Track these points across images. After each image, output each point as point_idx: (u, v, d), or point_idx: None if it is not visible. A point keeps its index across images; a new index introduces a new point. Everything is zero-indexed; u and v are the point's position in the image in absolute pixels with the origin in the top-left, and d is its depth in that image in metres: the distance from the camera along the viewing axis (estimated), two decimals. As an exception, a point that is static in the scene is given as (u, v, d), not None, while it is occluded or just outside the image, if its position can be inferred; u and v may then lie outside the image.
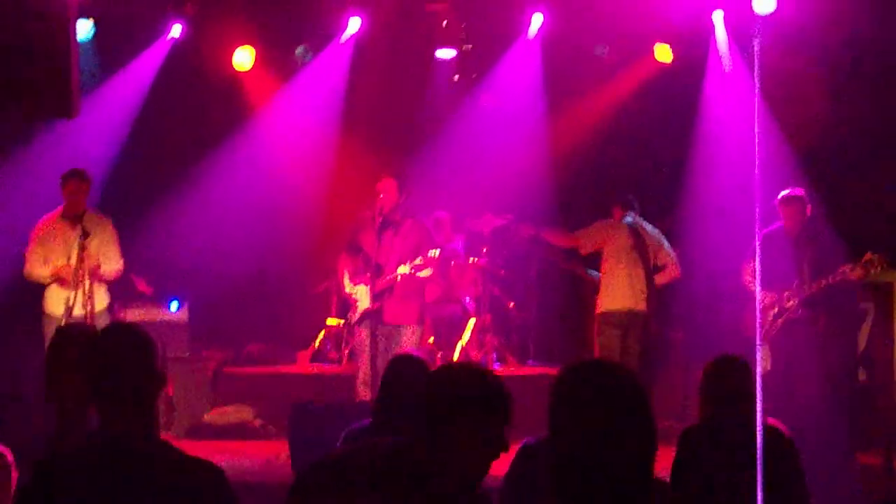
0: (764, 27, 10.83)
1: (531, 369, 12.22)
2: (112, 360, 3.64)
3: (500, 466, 4.24)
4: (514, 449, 4.71)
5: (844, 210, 10.99)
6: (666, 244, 10.76)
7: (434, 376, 3.85)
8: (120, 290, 10.59)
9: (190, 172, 12.95)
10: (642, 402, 3.17)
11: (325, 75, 13.13)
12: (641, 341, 10.49)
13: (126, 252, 10.27)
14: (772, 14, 10.90)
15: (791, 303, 9.90)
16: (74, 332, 5.21)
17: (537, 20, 12.40)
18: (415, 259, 9.52)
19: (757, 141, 3.48)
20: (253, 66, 12.79)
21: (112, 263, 9.98)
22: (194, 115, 13.19)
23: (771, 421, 5.76)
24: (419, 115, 13.81)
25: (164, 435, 10.66)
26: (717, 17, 12.07)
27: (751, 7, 10.89)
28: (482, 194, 12.98)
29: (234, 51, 12.63)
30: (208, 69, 12.84)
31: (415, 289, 9.81)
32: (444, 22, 12.64)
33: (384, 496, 3.61)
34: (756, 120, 3.55)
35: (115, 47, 12.42)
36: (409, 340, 9.66)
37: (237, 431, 11.17)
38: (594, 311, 10.68)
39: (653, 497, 3.24)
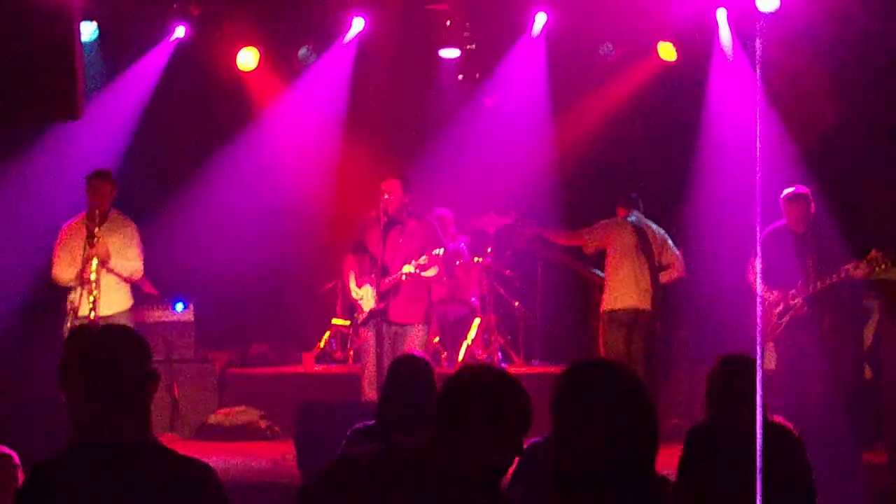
0: (768, 24, 10.82)
1: (536, 368, 12.23)
2: (104, 361, 3.64)
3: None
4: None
5: (849, 208, 10.98)
6: (670, 243, 10.75)
7: (453, 378, 3.84)
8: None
9: (194, 173, 12.96)
10: (644, 401, 3.17)
11: (328, 76, 13.13)
12: (646, 340, 10.49)
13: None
14: (776, 11, 10.90)
15: (796, 301, 9.89)
16: (84, 334, 5.22)
17: (541, 19, 12.39)
18: (420, 258, 9.52)
19: (759, 139, 3.47)
20: (257, 66, 12.79)
21: (128, 262, 9.96)
22: (199, 116, 13.21)
23: (778, 419, 5.75)
24: (423, 114, 13.82)
25: (169, 436, 10.79)
26: (721, 14, 12.05)
27: (754, 5, 10.88)
28: (486, 193, 12.98)
29: (237, 52, 12.64)
30: (212, 70, 12.85)
31: (421, 288, 9.80)
32: (448, 22, 12.64)
33: (402, 498, 3.61)
34: (759, 118, 3.53)
35: (119, 49, 12.44)
36: (414, 340, 9.66)
37: (243, 432, 11.17)
38: (599, 310, 10.68)
39: (656, 495, 3.24)
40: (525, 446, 3.88)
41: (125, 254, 9.94)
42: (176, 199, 12.29)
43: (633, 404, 3.15)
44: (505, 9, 12.50)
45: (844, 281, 9.72)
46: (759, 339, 3.93)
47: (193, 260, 11.96)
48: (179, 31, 12.41)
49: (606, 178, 12.84)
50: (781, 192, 10.01)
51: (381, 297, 9.64)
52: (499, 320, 12.58)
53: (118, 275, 9.87)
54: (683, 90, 12.52)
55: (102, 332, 3.84)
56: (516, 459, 3.93)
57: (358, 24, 12.60)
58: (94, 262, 9.64)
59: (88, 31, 11.72)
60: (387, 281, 9.64)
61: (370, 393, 9.55)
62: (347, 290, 10.03)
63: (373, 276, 9.70)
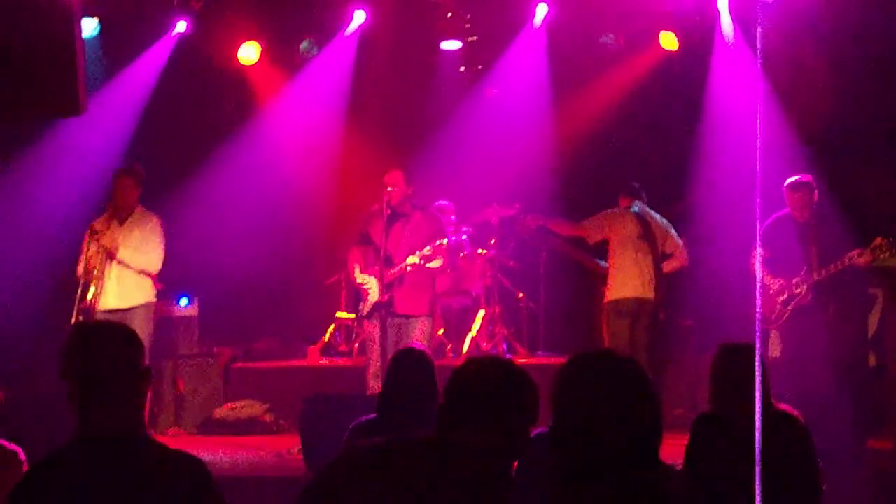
0: (769, 13, 10.80)
1: (541, 359, 12.23)
2: (96, 357, 3.66)
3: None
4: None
5: (852, 195, 10.98)
6: (673, 232, 10.75)
7: (460, 370, 3.84)
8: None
9: (197, 168, 12.97)
10: (647, 390, 3.17)
11: (330, 69, 13.13)
12: (650, 330, 10.48)
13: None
14: (777, 0, 10.89)
15: (800, 289, 9.90)
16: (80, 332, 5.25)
17: (542, 10, 12.39)
18: (424, 249, 9.52)
19: (759, 127, 3.47)
20: (259, 60, 12.80)
21: (141, 255, 9.96)
22: (201, 110, 13.22)
23: (784, 407, 5.76)
24: (425, 107, 13.81)
25: (175, 430, 10.80)
26: (722, 3, 12.04)
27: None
28: (489, 185, 12.98)
29: (239, 46, 12.64)
30: (214, 65, 12.86)
31: (425, 279, 9.81)
32: (449, 14, 12.65)
33: (409, 490, 3.61)
34: (759, 106, 3.53)
35: (120, 44, 12.45)
36: (419, 332, 9.66)
37: (248, 426, 11.18)
38: (603, 300, 10.68)
39: (661, 483, 3.25)
40: (532, 436, 3.89)
41: (144, 248, 9.97)
42: (179, 193, 12.30)
43: (635, 394, 3.15)
44: (506, 0, 12.49)
45: (848, 269, 9.73)
46: (757, 327, 3.92)
47: (197, 255, 11.96)
48: (181, 26, 12.43)
49: (608, 168, 12.83)
50: (784, 181, 10.02)
51: (386, 288, 9.65)
52: (503, 311, 12.59)
53: (131, 268, 9.89)
54: (685, 80, 12.52)
55: (96, 331, 3.86)
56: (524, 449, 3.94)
57: (359, 17, 12.61)
58: (99, 256, 9.68)
59: (90, 27, 11.74)
60: (391, 272, 9.64)
61: (375, 386, 9.55)
62: (353, 280, 10.04)
63: (377, 267, 9.71)
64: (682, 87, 12.59)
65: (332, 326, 12.80)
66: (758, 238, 3.93)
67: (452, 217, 12.24)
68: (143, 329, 9.72)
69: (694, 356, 11.30)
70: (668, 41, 12.33)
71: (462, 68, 13.72)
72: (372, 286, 9.75)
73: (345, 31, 12.80)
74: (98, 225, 9.90)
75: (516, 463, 4.86)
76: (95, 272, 9.67)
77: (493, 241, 12.60)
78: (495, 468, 3.68)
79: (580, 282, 12.51)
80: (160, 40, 12.54)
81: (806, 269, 9.88)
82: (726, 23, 12.06)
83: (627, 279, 10.43)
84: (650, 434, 3.18)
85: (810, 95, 11.47)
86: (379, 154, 12.38)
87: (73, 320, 9.45)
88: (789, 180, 10.01)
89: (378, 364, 9.49)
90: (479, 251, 12.56)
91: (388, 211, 9.69)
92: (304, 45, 12.85)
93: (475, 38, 13.12)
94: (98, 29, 11.96)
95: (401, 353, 6.41)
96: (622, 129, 13.06)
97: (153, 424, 10.70)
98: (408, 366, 6.12)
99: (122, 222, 10.00)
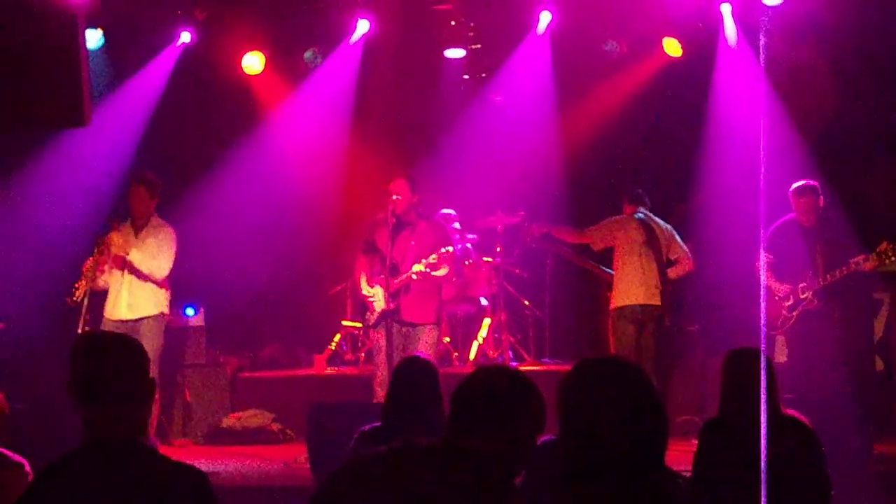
0: (773, 18, 10.83)
1: (547, 366, 12.23)
2: (100, 367, 3.67)
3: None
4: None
5: (856, 199, 10.98)
6: (678, 238, 10.74)
7: (469, 378, 3.85)
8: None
9: (202, 178, 12.97)
10: (652, 397, 3.18)
11: (334, 78, 13.14)
12: (657, 336, 10.48)
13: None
14: (780, 5, 10.90)
15: (806, 294, 9.90)
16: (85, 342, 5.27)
17: (545, 18, 12.39)
18: (430, 257, 9.52)
19: (763, 133, 3.49)
20: (263, 70, 12.81)
21: (149, 260, 9.97)
22: (206, 120, 13.22)
23: (791, 412, 5.77)
24: (430, 115, 13.83)
25: (182, 441, 10.81)
26: (726, 9, 12.04)
27: (759, -2, 10.89)
28: (494, 192, 12.99)
29: (243, 56, 12.66)
30: (218, 75, 12.87)
31: (431, 288, 9.80)
32: (453, 22, 12.66)
33: (415, 497, 3.62)
34: (763, 112, 3.56)
35: (125, 55, 12.47)
36: (425, 340, 9.65)
37: (255, 436, 11.19)
38: (608, 307, 10.68)
39: (666, 489, 3.25)
40: (539, 443, 3.89)
41: (154, 254, 9.99)
42: (184, 203, 12.29)
43: (639, 399, 3.16)
44: (509, 8, 12.50)
45: (854, 273, 9.73)
46: (762, 330, 3.93)
47: (203, 264, 11.97)
48: (185, 37, 12.44)
49: (613, 174, 12.85)
50: (789, 185, 10.03)
51: (392, 296, 9.65)
52: (509, 319, 12.59)
53: (137, 271, 9.91)
54: (689, 85, 12.52)
55: (100, 342, 3.87)
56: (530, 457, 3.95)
57: (363, 26, 12.61)
58: (98, 260, 9.73)
59: (94, 38, 11.76)
60: (397, 281, 9.64)
61: (382, 394, 9.50)
62: (358, 291, 10.03)
63: (383, 276, 9.71)
64: (685, 93, 12.59)
65: (338, 335, 12.79)
66: (761, 242, 3.94)
67: (456, 224, 12.25)
68: (152, 340, 9.74)
69: (700, 362, 11.29)
70: (672, 47, 12.32)
71: (466, 76, 13.74)
72: (378, 297, 9.75)
73: (349, 39, 12.80)
74: (111, 235, 9.90)
75: (523, 472, 4.87)
76: (88, 272, 9.69)
77: (498, 248, 12.61)
78: (499, 475, 3.68)
79: (586, 289, 12.53)
80: (164, 51, 12.56)
81: (812, 274, 9.89)
82: (729, 28, 12.06)
83: (633, 286, 10.43)
84: (655, 438, 3.18)
85: (813, 99, 11.48)
86: (383, 162, 12.39)
87: (80, 331, 9.46)
88: (795, 185, 10.01)
89: (384, 372, 9.48)
90: (485, 259, 12.57)
91: (393, 219, 9.69)
92: (308, 54, 12.86)
93: (479, 45, 13.13)
94: (102, 40, 11.98)
95: (405, 362, 6.42)
96: (626, 135, 13.07)
97: (161, 435, 10.71)
98: (412, 374, 6.14)
99: (137, 231, 10.04)
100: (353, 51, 12.93)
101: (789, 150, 11.30)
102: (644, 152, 12.99)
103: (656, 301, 10.41)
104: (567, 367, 3.57)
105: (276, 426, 11.33)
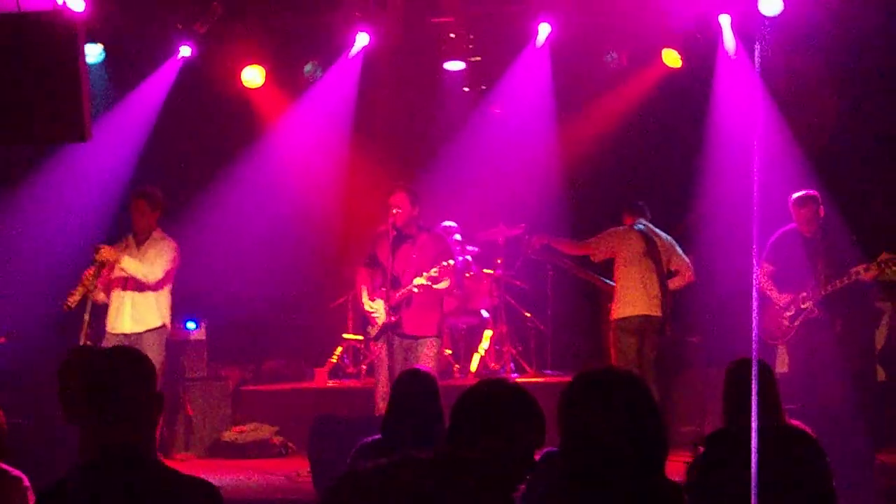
0: (771, 28, 10.84)
1: (549, 378, 12.22)
2: (110, 382, 3.68)
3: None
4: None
5: (857, 209, 10.98)
6: (678, 249, 10.74)
7: (469, 392, 3.86)
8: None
9: (203, 192, 12.99)
10: (650, 405, 3.19)
11: (334, 91, 13.15)
12: (658, 347, 10.48)
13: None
14: (779, 15, 10.92)
15: (807, 304, 9.90)
16: (81, 355, 5.29)
17: (545, 30, 12.40)
18: (431, 270, 9.52)
19: (756, 144, 3.50)
20: (263, 83, 12.82)
21: (142, 264, 9.98)
22: (206, 134, 13.25)
23: (795, 423, 5.77)
24: (430, 127, 13.85)
25: (184, 454, 10.80)
26: (725, 20, 12.05)
27: (757, 9, 10.90)
28: (495, 205, 13.00)
29: (243, 69, 12.67)
30: (219, 88, 12.87)
31: (432, 300, 9.80)
32: (452, 34, 12.67)
33: None
34: (759, 123, 3.57)
35: (125, 69, 12.48)
36: (427, 353, 9.65)
37: (257, 449, 11.19)
38: (609, 318, 10.67)
39: (666, 499, 3.25)
40: (541, 455, 3.90)
41: (151, 262, 10.00)
42: (185, 217, 12.30)
43: (639, 410, 3.17)
44: (508, 20, 12.52)
45: (855, 283, 9.73)
46: (753, 339, 3.93)
47: (204, 278, 11.97)
48: (185, 51, 12.46)
49: (613, 185, 12.84)
50: (790, 196, 10.03)
51: (394, 309, 9.65)
52: (510, 331, 12.60)
53: (132, 277, 9.93)
54: (689, 97, 12.53)
55: (108, 356, 3.88)
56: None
57: (363, 39, 12.63)
58: (95, 271, 9.76)
59: (94, 52, 11.77)
60: (398, 294, 9.64)
61: (383, 407, 9.49)
62: (360, 304, 10.03)
63: (384, 289, 9.71)
64: (685, 104, 12.60)
65: (340, 348, 12.79)
66: (754, 252, 3.94)
67: (457, 237, 12.25)
68: (155, 353, 9.76)
69: (701, 373, 11.28)
70: (671, 58, 12.33)
71: (466, 88, 13.75)
72: (379, 310, 9.75)
73: (348, 53, 12.82)
74: (101, 247, 9.91)
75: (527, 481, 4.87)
76: (87, 281, 9.71)
77: (499, 260, 12.62)
78: (500, 485, 3.69)
79: (587, 300, 12.53)
80: (165, 65, 12.57)
81: (813, 284, 9.89)
82: (728, 39, 12.08)
83: (633, 297, 10.43)
84: (654, 447, 3.19)
85: (813, 109, 11.49)
86: (384, 175, 12.39)
87: (81, 344, 9.47)
88: (795, 195, 10.02)
89: (386, 386, 9.47)
90: (486, 271, 12.57)
91: (394, 232, 9.70)
92: (307, 67, 12.88)
93: (478, 58, 13.14)
94: (103, 55, 11.99)
95: (405, 375, 6.44)
96: (626, 146, 13.08)
97: (163, 448, 10.70)
98: (412, 387, 6.15)
99: (139, 245, 10.08)
100: (352, 64, 12.94)
101: (790, 160, 11.31)
102: (644, 163, 12.98)
103: (657, 312, 10.41)
104: (569, 379, 3.59)
105: (278, 440, 11.33)
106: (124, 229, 10.37)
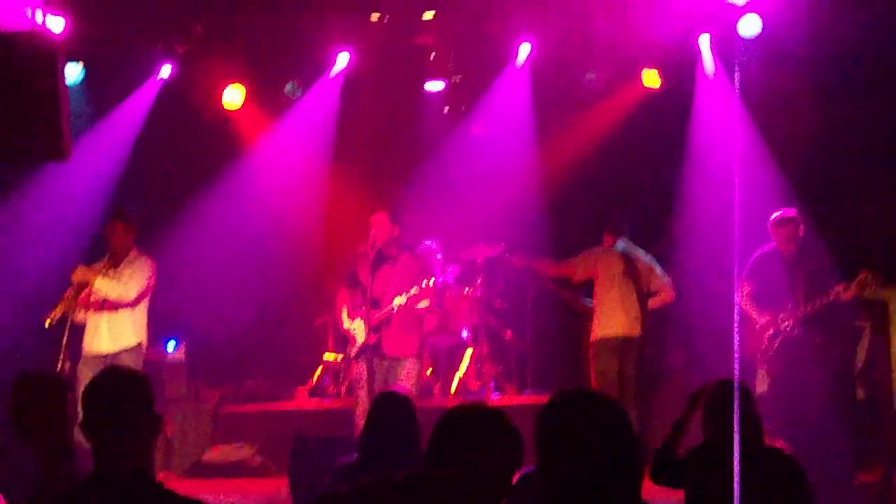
0: (750, 48, 10.90)
1: (529, 398, 12.20)
2: (108, 402, 3.67)
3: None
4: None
5: (836, 229, 11.01)
6: (658, 269, 10.77)
7: (447, 415, 3.87)
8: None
9: (183, 211, 12.97)
10: (624, 426, 3.20)
11: (315, 110, 13.16)
12: (638, 367, 10.49)
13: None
14: (758, 36, 10.96)
15: (787, 324, 9.92)
16: (35, 377, 5.28)
17: (525, 49, 12.44)
18: (411, 290, 9.52)
19: (736, 164, 3.53)
20: (243, 103, 12.82)
21: (116, 284, 9.94)
22: (186, 154, 13.22)
23: (777, 444, 5.79)
24: (410, 147, 13.86)
25: (164, 474, 10.75)
26: (704, 40, 12.11)
27: (736, 30, 10.95)
28: (475, 224, 13.00)
29: (224, 89, 12.67)
30: (199, 108, 12.87)
31: (412, 320, 9.80)
32: (433, 54, 12.69)
33: None
34: (738, 142, 3.60)
35: (105, 89, 12.46)
36: (407, 373, 9.65)
37: (237, 469, 11.14)
38: (589, 338, 10.68)
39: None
40: (518, 475, 3.91)
41: (126, 281, 9.97)
42: (166, 237, 12.28)
43: (614, 431, 3.18)
44: (489, 40, 12.55)
45: (834, 302, 9.76)
46: (736, 363, 3.95)
47: (184, 298, 11.95)
48: (165, 70, 12.45)
49: (593, 204, 12.85)
50: (769, 215, 10.06)
51: (374, 329, 9.65)
52: (491, 350, 12.59)
53: (107, 298, 9.90)
54: (668, 116, 12.57)
55: (105, 376, 3.87)
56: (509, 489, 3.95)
57: (343, 59, 12.65)
58: (75, 293, 9.75)
59: (74, 72, 11.76)
60: (378, 314, 9.64)
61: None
62: (340, 324, 10.03)
63: (364, 309, 9.71)
64: (665, 124, 12.64)
65: (320, 368, 12.77)
66: (734, 269, 3.95)
67: (439, 256, 12.26)
68: (131, 371, 9.71)
69: (682, 392, 11.27)
70: (651, 78, 12.38)
71: (446, 108, 13.76)
72: (359, 330, 9.74)
73: (329, 72, 12.84)
74: (77, 268, 9.89)
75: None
76: (67, 299, 9.70)
77: (479, 280, 12.62)
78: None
79: (567, 320, 12.52)
80: (145, 84, 12.57)
81: (792, 303, 9.91)
82: (707, 59, 12.13)
83: (613, 316, 10.44)
84: (630, 469, 3.19)
85: (792, 129, 11.53)
86: (365, 194, 12.42)
87: (59, 367, 9.44)
88: (774, 215, 10.05)
89: (366, 405, 9.44)
90: (466, 290, 12.57)
91: (374, 252, 9.70)
92: (288, 86, 12.89)
93: (459, 78, 13.16)
94: (83, 74, 11.97)
95: (381, 396, 6.46)
96: (606, 166, 13.09)
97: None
98: (388, 408, 6.16)
99: (116, 266, 10.04)
100: (333, 83, 12.96)
101: (769, 179, 11.35)
102: (624, 183, 13.00)
103: (636, 332, 10.43)
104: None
105: (258, 460, 11.29)
106: (105, 249, 10.34)
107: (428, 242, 12.17)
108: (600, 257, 10.65)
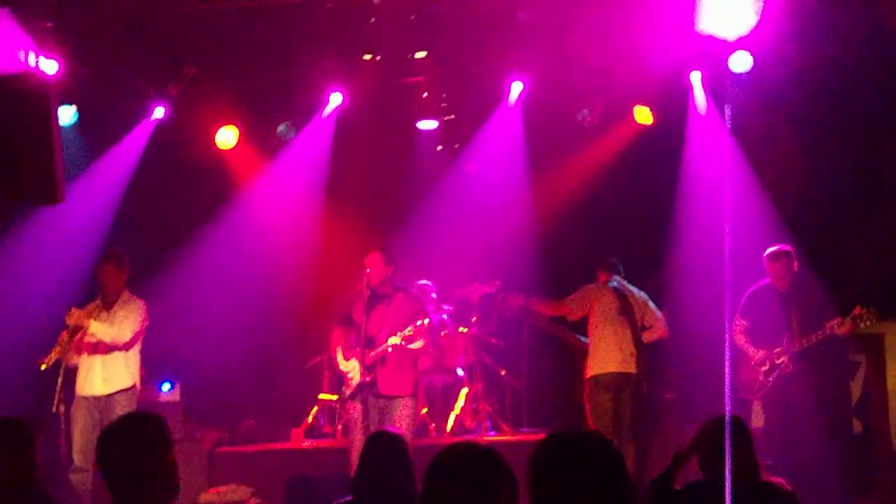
0: (741, 85, 10.95)
1: (525, 436, 12.17)
2: (126, 452, 3.67)
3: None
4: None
5: (829, 264, 11.03)
6: (651, 305, 10.77)
7: (440, 456, 3.86)
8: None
9: (177, 252, 12.97)
10: (619, 468, 3.19)
11: (308, 150, 13.19)
12: (633, 403, 10.47)
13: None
14: (749, 72, 11.02)
15: (782, 359, 9.92)
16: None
17: (517, 88, 12.49)
18: (405, 329, 9.52)
19: (728, 200, 3.55)
20: (237, 144, 12.85)
21: (111, 327, 9.93)
22: (181, 195, 13.25)
23: (774, 479, 5.77)
24: (404, 186, 13.88)
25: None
26: (695, 77, 12.16)
27: (727, 66, 11.00)
28: (469, 262, 13.02)
29: (217, 130, 12.70)
30: (193, 149, 12.90)
31: (407, 360, 9.79)
32: (425, 93, 12.74)
33: None
34: (730, 178, 3.61)
35: (99, 131, 12.48)
36: (402, 412, 9.63)
37: (234, 511, 11.09)
38: (584, 375, 10.66)
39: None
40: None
41: (117, 322, 9.96)
42: (159, 278, 12.28)
43: (607, 472, 3.18)
44: (481, 79, 12.59)
45: (829, 337, 9.76)
46: (727, 396, 3.95)
47: (179, 339, 11.94)
48: (158, 112, 12.48)
49: (586, 242, 12.89)
50: (762, 250, 10.08)
51: (368, 369, 9.63)
52: (486, 388, 12.57)
53: (101, 341, 9.89)
54: (660, 153, 12.60)
55: (123, 422, 3.86)
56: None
57: (336, 99, 12.69)
58: (70, 336, 9.74)
59: (68, 114, 11.79)
60: (372, 354, 9.63)
61: (361, 467, 9.49)
62: (335, 363, 10.02)
63: (359, 349, 9.70)
64: (657, 160, 12.67)
65: (316, 408, 12.73)
66: (727, 305, 3.96)
67: (434, 295, 12.26)
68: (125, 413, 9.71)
69: (678, 429, 11.27)
70: (643, 115, 12.43)
71: (439, 147, 13.80)
72: (354, 370, 9.73)
73: (322, 112, 12.87)
74: (70, 311, 9.88)
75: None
76: (63, 343, 9.68)
77: (474, 318, 12.61)
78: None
79: (562, 357, 12.51)
80: (138, 126, 12.60)
81: (787, 338, 9.91)
82: (699, 96, 12.18)
83: (608, 354, 10.43)
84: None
85: (783, 163, 11.57)
86: (359, 234, 12.43)
87: (54, 409, 9.43)
88: (769, 250, 10.07)
89: (362, 446, 9.43)
90: (461, 329, 12.56)
91: (369, 292, 9.70)
92: (281, 127, 12.92)
93: (452, 116, 13.21)
94: (76, 116, 12.00)
95: (374, 437, 6.45)
96: (599, 203, 13.13)
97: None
98: (380, 449, 6.16)
99: (108, 307, 10.03)
100: (326, 123, 12.99)
101: (761, 214, 11.38)
102: (617, 220, 13.03)
103: (632, 369, 10.41)
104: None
105: (253, 501, 11.23)
106: (98, 290, 10.33)
107: (422, 281, 12.17)
108: (595, 294, 10.65)
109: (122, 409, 9.69)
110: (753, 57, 10.98)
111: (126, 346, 9.98)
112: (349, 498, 6.05)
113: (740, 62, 10.98)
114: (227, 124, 12.72)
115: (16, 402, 10.55)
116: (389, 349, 9.56)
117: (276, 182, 13.41)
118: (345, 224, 13.36)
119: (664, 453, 11.20)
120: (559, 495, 3.18)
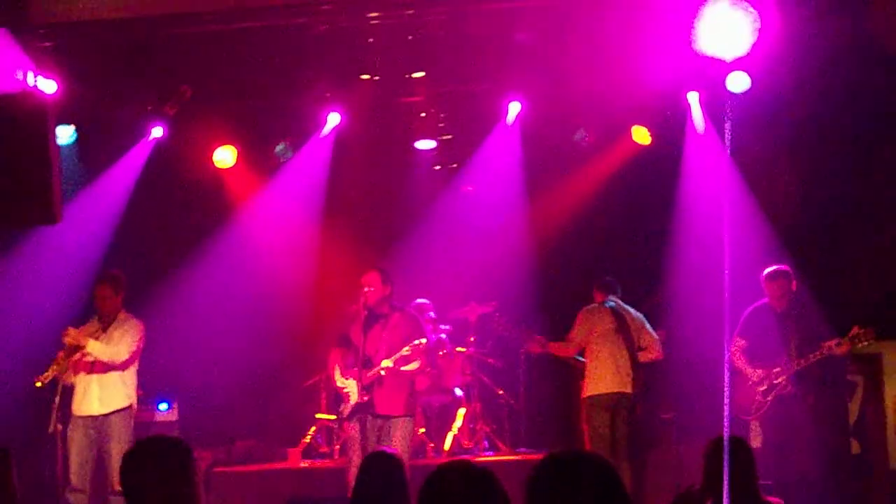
0: (738, 105, 10.95)
1: (523, 456, 12.15)
2: (158, 477, 3.68)
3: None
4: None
5: (826, 284, 11.02)
6: (648, 326, 10.77)
7: (433, 476, 3.86)
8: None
9: (175, 273, 12.96)
10: (618, 490, 3.19)
11: (306, 170, 13.19)
12: (630, 423, 10.46)
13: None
14: (747, 91, 11.02)
15: (780, 379, 9.91)
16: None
17: (514, 108, 12.49)
18: (402, 350, 9.52)
19: (726, 219, 3.55)
20: (235, 164, 12.86)
21: (108, 347, 9.92)
22: (178, 215, 13.25)
23: (772, 499, 5.77)
24: (401, 206, 13.88)
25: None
26: (693, 97, 12.17)
27: (725, 87, 11.01)
28: (466, 282, 13.01)
29: (215, 150, 12.71)
30: (190, 169, 12.91)
31: (405, 380, 9.79)
32: (423, 114, 12.75)
33: None
34: (727, 198, 3.61)
35: (97, 151, 12.49)
36: (399, 433, 9.62)
37: (230, 531, 11.08)
38: (581, 395, 10.64)
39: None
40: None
41: (116, 343, 9.96)
42: (157, 298, 12.27)
43: (607, 494, 3.17)
44: (479, 99, 12.59)
45: (827, 358, 9.75)
46: (726, 417, 3.95)
47: (176, 359, 11.93)
48: (157, 132, 12.49)
49: (583, 262, 12.87)
50: (760, 269, 10.07)
51: (366, 389, 9.62)
52: (484, 408, 12.56)
53: (98, 360, 9.88)
54: (658, 173, 12.60)
55: (145, 445, 3.87)
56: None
57: (334, 119, 12.70)
58: (67, 355, 9.73)
59: (66, 134, 11.79)
60: (370, 374, 9.62)
61: (358, 487, 9.47)
62: (333, 382, 10.02)
63: (356, 369, 9.69)
64: (655, 180, 12.67)
65: (313, 428, 12.71)
66: (725, 326, 3.96)
67: (431, 315, 12.25)
68: (122, 433, 9.75)
69: (674, 449, 11.26)
70: (641, 135, 12.44)
71: (437, 167, 13.81)
72: (352, 389, 9.72)
73: (320, 132, 12.88)
74: (67, 329, 9.88)
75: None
76: (59, 362, 9.67)
77: (471, 338, 12.61)
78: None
79: (560, 377, 12.50)
80: (136, 146, 12.60)
81: (785, 358, 9.90)
82: (697, 116, 12.19)
83: (605, 374, 10.42)
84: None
85: (780, 183, 11.58)
86: (356, 254, 12.42)
87: (51, 428, 9.41)
88: (767, 270, 10.07)
89: (359, 465, 9.41)
90: (459, 349, 12.55)
91: (366, 312, 9.70)
92: (279, 147, 12.92)
93: (449, 136, 13.22)
94: (75, 136, 12.01)
95: (370, 457, 6.43)
96: (596, 223, 13.12)
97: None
98: (376, 469, 6.14)
99: (105, 328, 10.03)
100: (324, 143, 13.00)
101: (759, 234, 11.37)
102: (614, 240, 13.03)
103: (628, 389, 10.41)
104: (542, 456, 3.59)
105: (251, 521, 11.23)
106: (91, 311, 10.33)
107: (420, 300, 12.17)
108: (593, 315, 10.65)
109: (118, 428, 9.69)
110: (751, 77, 10.99)
111: (123, 366, 9.98)
112: (346, 518, 6.04)
113: (738, 82, 10.99)
114: (224, 144, 12.73)
115: (11, 421, 10.56)
116: (383, 372, 9.57)
117: (274, 202, 13.41)
118: (342, 244, 13.35)
119: (661, 473, 11.23)
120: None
